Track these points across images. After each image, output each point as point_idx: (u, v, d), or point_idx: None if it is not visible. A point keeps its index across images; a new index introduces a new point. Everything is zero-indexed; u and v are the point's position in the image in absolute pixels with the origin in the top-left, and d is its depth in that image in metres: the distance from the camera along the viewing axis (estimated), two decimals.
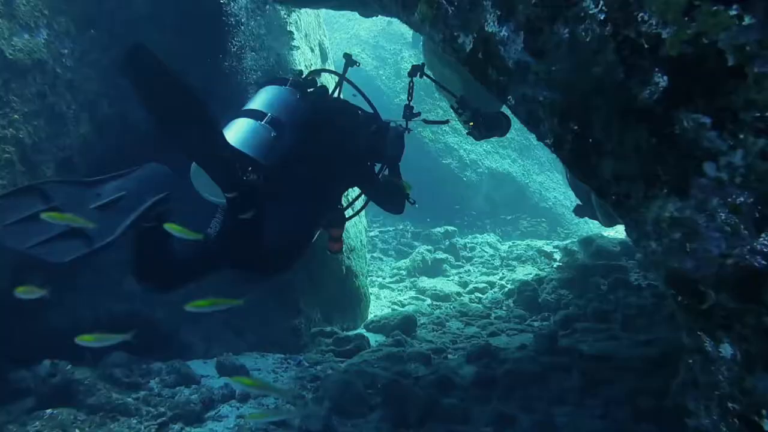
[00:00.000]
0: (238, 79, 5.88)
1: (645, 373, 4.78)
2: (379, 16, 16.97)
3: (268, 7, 6.57)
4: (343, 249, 7.00)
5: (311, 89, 3.87)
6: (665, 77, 1.64)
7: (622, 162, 1.85)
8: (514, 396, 4.83)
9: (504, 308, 8.30)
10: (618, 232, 12.49)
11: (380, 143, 4.03)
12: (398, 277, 10.29)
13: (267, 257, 3.45)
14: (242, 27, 6.10)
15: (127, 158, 5.11)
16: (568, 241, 10.95)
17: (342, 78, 4.34)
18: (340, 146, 3.81)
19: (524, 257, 10.92)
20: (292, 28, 7.18)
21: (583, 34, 1.87)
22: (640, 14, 1.68)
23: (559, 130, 2.05)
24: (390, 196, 4.14)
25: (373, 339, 6.50)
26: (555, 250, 11.39)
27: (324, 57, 8.18)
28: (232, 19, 5.96)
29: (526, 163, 15.28)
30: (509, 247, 11.87)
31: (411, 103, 4.42)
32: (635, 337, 5.88)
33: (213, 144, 2.92)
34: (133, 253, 3.19)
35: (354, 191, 4.64)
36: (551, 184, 15.19)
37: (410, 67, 4.40)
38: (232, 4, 5.94)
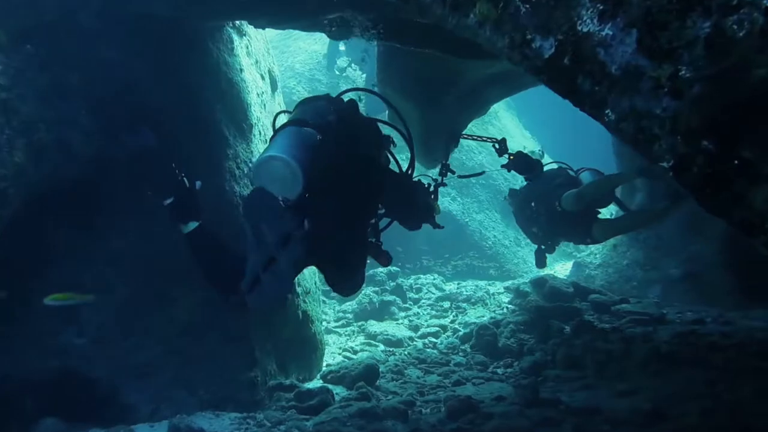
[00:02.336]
0: (195, 99, 5.41)
1: (643, 427, 4.46)
2: (318, 49, 16.54)
3: (221, 27, 6.05)
4: (300, 292, 6.42)
5: (343, 103, 4.32)
6: None
7: None
8: None
9: (461, 354, 7.87)
10: (556, 272, 12.40)
11: (415, 190, 4.42)
12: (344, 321, 9.71)
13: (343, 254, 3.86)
14: (197, 47, 5.59)
15: (67, 189, 4.47)
16: (518, 282, 10.70)
17: (389, 104, 4.90)
18: (371, 154, 4.15)
19: (473, 299, 10.57)
20: (243, 52, 6.67)
21: (735, 27, 1.48)
22: None
23: (685, 150, 1.64)
24: (418, 211, 4.44)
25: (334, 391, 5.90)
26: (502, 291, 11.10)
27: (273, 85, 7.67)
28: (185, 39, 5.44)
29: (465, 201, 15.05)
30: (456, 288, 11.51)
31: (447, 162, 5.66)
32: (614, 385, 5.60)
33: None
34: (201, 269, 3.86)
35: None
36: (491, 223, 15.01)
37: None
38: (185, 24, 5.41)
